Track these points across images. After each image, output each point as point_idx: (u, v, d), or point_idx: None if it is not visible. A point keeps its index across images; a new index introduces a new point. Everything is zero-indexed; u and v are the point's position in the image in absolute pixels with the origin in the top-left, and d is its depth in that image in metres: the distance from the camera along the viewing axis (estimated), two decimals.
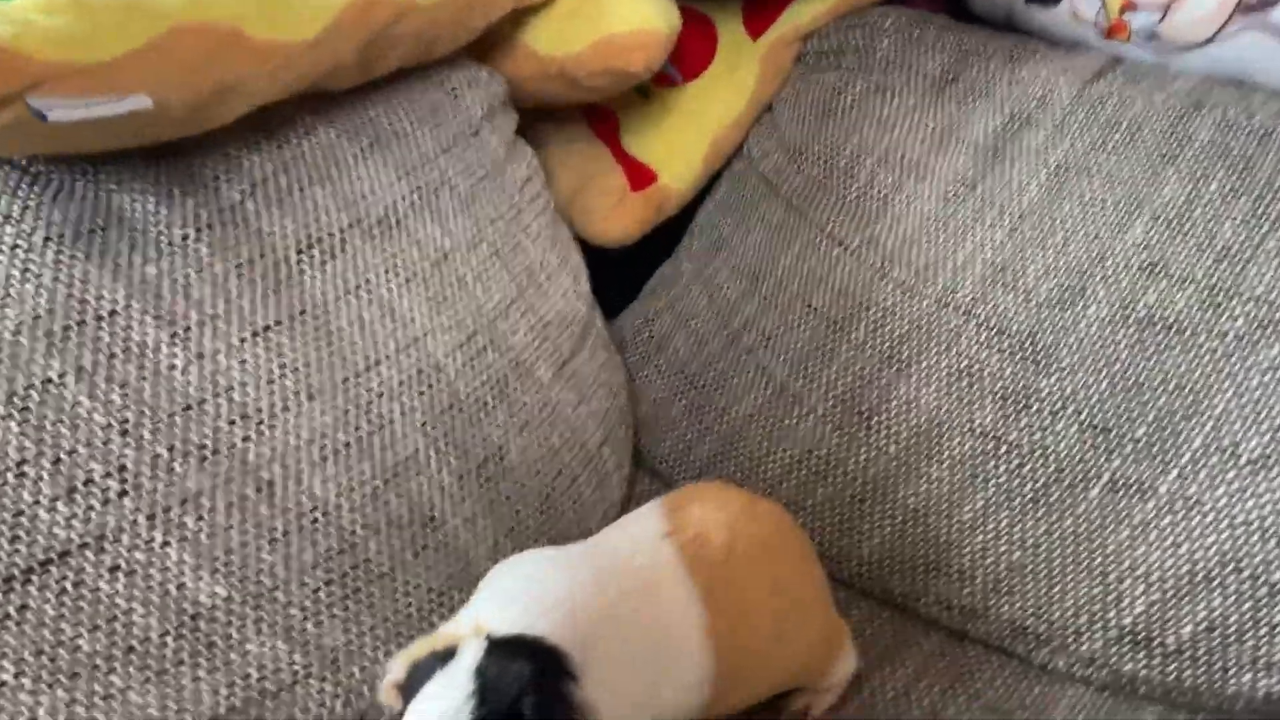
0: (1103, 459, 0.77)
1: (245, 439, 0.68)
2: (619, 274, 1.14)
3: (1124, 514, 0.76)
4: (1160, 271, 0.80)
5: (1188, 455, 0.74)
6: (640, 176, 1.13)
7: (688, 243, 1.14)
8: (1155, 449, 0.75)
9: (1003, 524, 0.80)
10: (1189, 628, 0.73)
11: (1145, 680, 0.75)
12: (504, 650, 0.48)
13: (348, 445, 0.72)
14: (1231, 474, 0.73)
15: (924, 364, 0.87)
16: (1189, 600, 0.73)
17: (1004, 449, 0.81)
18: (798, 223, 1.01)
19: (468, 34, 0.87)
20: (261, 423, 0.68)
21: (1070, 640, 0.76)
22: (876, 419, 0.88)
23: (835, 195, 0.99)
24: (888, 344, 0.90)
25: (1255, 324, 0.75)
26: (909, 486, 0.84)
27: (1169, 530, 0.74)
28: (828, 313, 0.94)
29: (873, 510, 0.86)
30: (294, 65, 0.71)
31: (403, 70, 0.86)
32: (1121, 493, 0.76)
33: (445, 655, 0.49)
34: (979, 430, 0.82)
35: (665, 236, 1.15)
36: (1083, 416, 0.78)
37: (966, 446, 0.83)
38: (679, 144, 1.12)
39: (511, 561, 0.59)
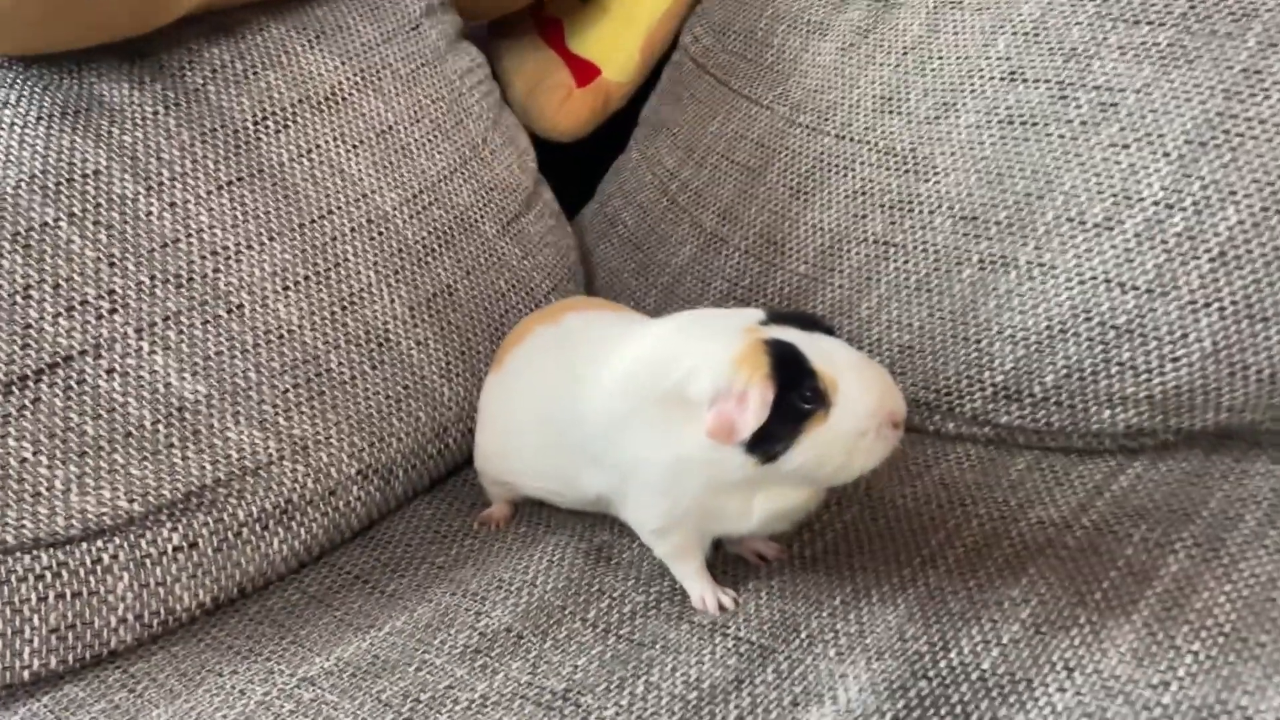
0: (971, 243, 0.86)
1: (216, 270, 0.80)
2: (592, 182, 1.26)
3: (991, 287, 0.85)
4: (1018, 77, 0.89)
5: (1042, 229, 0.84)
6: (584, 73, 1.24)
7: (636, 134, 1.25)
8: (1015, 227, 0.85)
9: (894, 314, 0.89)
10: (1051, 376, 0.82)
11: (1020, 429, 0.84)
12: (781, 312, 0.67)
13: (307, 278, 0.84)
14: (1079, 238, 0.82)
15: (826, 192, 0.97)
16: (1049, 352, 0.82)
17: (892, 250, 0.91)
18: (723, 93, 1.12)
19: None
20: (230, 257, 0.81)
21: (955, 403, 0.86)
22: (788, 246, 0.98)
23: (753, 63, 1.09)
24: (796, 180, 1.00)
25: (1097, 109, 0.84)
26: (817, 296, 0.94)
27: (1028, 294, 0.83)
28: (747, 163, 1.05)
29: None
30: None
31: None
32: (988, 269, 0.85)
33: (775, 341, 0.62)
34: (871, 238, 0.92)
35: (624, 139, 1.25)
36: (955, 210, 0.88)
37: (862, 254, 0.93)
38: (618, 40, 1.23)
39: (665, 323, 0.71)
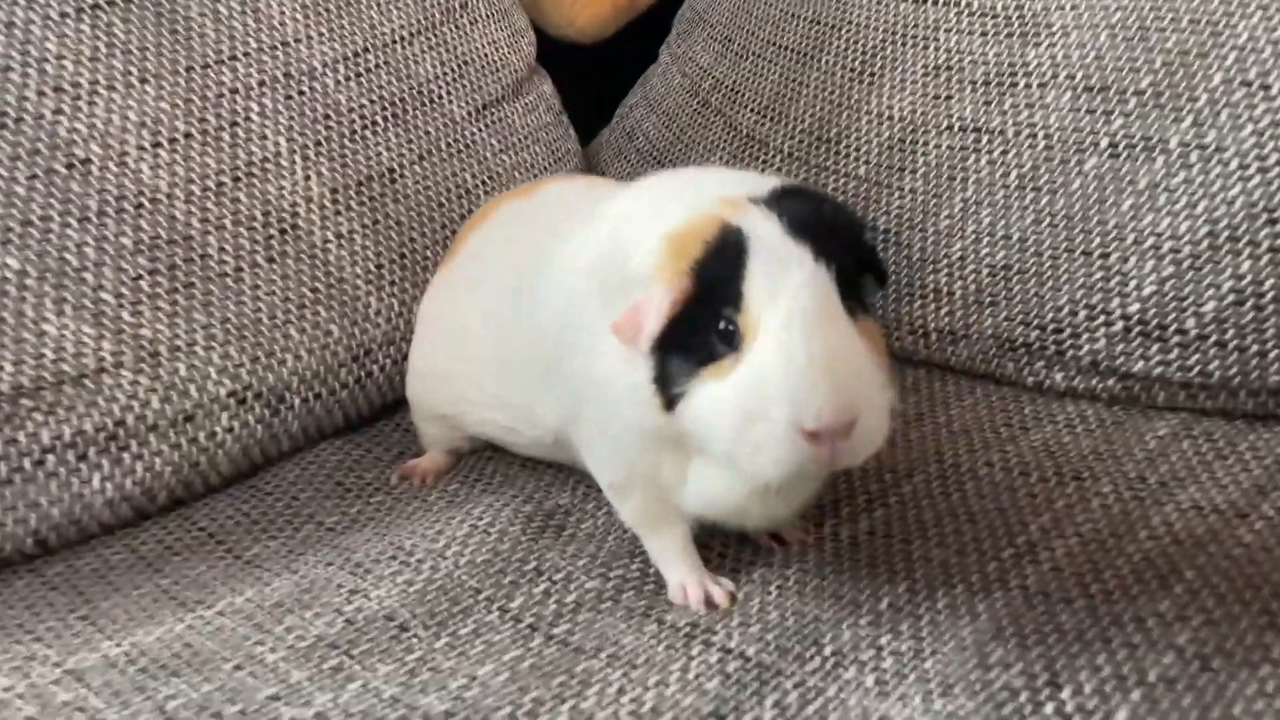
0: (1099, 123, 0.62)
1: (56, 112, 0.59)
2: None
3: (1127, 181, 0.61)
4: None
5: (1204, 98, 0.59)
6: None
7: (668, 38, 1.03)
8: (1164, 99, 0.60)
9: (985, 222, 0.65)
10: (1211, 305, 0.57)
11: (1162, 381, 0.59)
12: (797, 194, 0.43)
13: (188, 135, 0.63)
14: (1260, 110, 0.57)
15: (898, 71, 0.73)
16: (1210, 271, 0.57)
17: (985, 139, 0.67)
18: None
19: None
20: (80, 98, 0.60)
21: (1067, 346, 0.62)
22: (845, 142, 0.75)
23: None
24: (859, 59, 0.76)
25: None
26: (879, 205, 0.71)
27: (1182, 189, 0.59)
28: (798, 46, 0.82)
29: None
30: None
31: None
32: (1123, 157, 0.61)
33: (731, 229, 0.41)
34: (958, 125, 0.69)
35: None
36: (1076, 80, 0.64)
37: (944, 146, 0.69)
38: None
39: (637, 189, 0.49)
